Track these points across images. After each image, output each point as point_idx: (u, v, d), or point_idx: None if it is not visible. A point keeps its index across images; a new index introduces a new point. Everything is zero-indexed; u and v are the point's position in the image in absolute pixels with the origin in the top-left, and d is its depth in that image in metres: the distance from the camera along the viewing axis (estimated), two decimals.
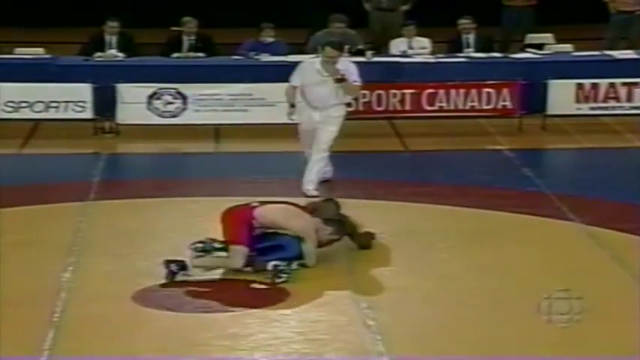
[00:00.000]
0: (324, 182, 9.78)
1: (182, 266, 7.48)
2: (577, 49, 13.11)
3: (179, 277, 7.43)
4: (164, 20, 13.52)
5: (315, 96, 9.67)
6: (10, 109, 11.93)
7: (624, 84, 12.31)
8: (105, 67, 12.28)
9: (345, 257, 7.96)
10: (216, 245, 7.60)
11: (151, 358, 6.24)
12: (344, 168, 10.59)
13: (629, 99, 12.35)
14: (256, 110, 11.97)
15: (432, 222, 8.79)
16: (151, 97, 12.01)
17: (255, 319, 6.74)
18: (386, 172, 10.64)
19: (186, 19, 12.93)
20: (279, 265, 7.41)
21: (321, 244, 7.73)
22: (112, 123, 12.06)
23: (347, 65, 9.71)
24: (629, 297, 7.11)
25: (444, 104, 12.19)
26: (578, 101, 12.34)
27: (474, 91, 12.20)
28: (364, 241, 8.10)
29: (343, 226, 7.86)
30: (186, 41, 12.88)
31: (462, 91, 12.17)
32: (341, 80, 9.53)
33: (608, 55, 12.96)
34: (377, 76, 12.26)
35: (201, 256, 7.55)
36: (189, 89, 12.03)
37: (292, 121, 9.85)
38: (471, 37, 13.05)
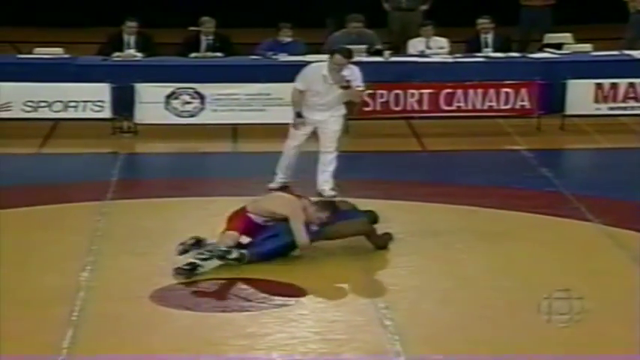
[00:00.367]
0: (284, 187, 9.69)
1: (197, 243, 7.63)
2: (596, 49, 13.06)
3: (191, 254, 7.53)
4: (182, 20, 13.56)
5: (319, 101, 9.64)
6: (29, 108, 11.99)
7: None
8: (123, 66, 12.32)
9: (362, 257, 7.96)
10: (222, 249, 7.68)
11: (169, 357, 6.25)
12: (361, 168, 10.59)
13: None
14: (274, 110, 11.97)
15: (449, 222, 8.78)
16: (169, 96, 12.04)
17: (273, 319, 6.75)
18: (403, 172, 10.63)
19: (204, 19, 12.95)
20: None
21: (311, 223, 7.78)
22: (130, 122, 12.10)
23: (352, 70, 9.68)
24: None
25: (461, 104, 12.17)
26: (597, 101, 12.29)
27: (492, 91, 12.17)
28: (381, 242, 8.10)
29: (332, 204, 8.00)
30: (204, 41, 12.90)
31: (479, 91, 12.14)
32: (346, 87, 9.52)
33: (628, 55, 12.91)
34: (395, 76, 12.26)
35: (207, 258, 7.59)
36: (207, 89, 12.05)
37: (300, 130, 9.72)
38: (490, 37, 13.02)
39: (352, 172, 10.11)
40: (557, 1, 14.55)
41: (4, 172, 10.57)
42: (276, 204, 7.96)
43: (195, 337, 6.51)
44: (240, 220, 7.87)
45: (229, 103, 12.06)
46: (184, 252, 7.65)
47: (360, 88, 9.75)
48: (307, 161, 10.13)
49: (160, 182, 10.43)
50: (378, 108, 12.06)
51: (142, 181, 10.58)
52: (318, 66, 9.78)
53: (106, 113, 12.00)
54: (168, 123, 12.06)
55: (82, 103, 11.98)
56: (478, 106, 12.18)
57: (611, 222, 8.63)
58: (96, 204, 9.24)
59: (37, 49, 12.70)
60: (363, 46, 12.67)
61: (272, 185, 9.71)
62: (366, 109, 12.08)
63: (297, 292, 7.22)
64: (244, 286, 7.34)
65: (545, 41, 13.78)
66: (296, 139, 9.80)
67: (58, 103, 11.99)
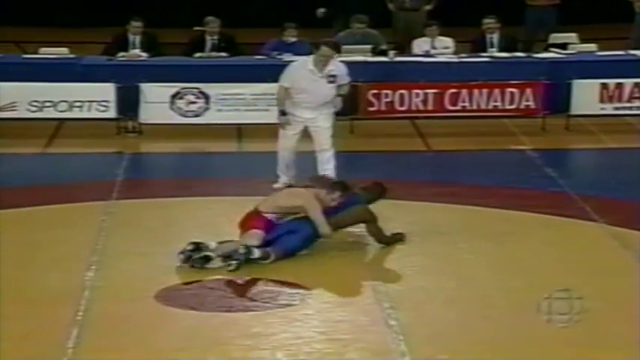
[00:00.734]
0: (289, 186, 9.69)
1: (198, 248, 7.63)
2: (601, 49, 13.05)
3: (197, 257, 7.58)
4: (187, 20, 13.58)
5: (308, 96, 9.62)
6: (34, 108, 12.00)
7: None
8: (128, 66, 12.33)
9: (367, 257, 7.96)
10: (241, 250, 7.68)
11: (174, 356, 6.25)
12: (366, 168, 10.58)
13: None
14: None
15: (454, 222, 8.77)
16: (174, 96, 12.04)
17: (278, 319, 6.75)
18: (408, 172, 10.62)
19: (209, 18, 12.96)
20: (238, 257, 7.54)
21: (328, 209, 7.84)
22: (135, 122, 12.11)
23: (337, 65, 9.69)
24: None
25: (466, 104, 12.16)
26: (602, 101, 12.28)
27: (497, 91, 12.16)
28: (384, 238, 8.10)
29: (339, 183, 8.08)
30: (209, 41, 12.90)
31: (484, 90, 12.13)
32: (332, 82, 9.52)
33: (633, 55, 12.89)
34: (399, 76, 12.26)
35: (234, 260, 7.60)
36: (212, 89, 12.06)
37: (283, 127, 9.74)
38: (495, 37, 13.01)
39: (357, 171, 10.10)
40: (563, 0, 14.53)
41: (9, 171, 10.58)
42: (289, 198, 7.97)
43: (200, 336, 6.52)
44: (258, 221, 7.83)
45: (234, 102, 12.07)
46: (188, 259, 7.61)
47: (346, 81, 9.72)
48: (307, 161, 10.14)
49: (165, 182, 10.43)
50: (383, 108, 12.05)
51: (147, 181, 10.58)
52: (304, 61, 9.77)
53: (111, 113, 12.01)
54: (173, 123, 12.06)
55: (87, 103, 11.99)
56: (483, 106, 12.17)
57: (616, 222, 8.62)
58: (101, 204, 9.25)
59: (43, 49, 12.71)
60: (368, 47, 12.67)
61: (276, 185, 9.72)
62: (371, 108, 12.09)
63: (301, 292, 7.22)
64: (249, 286, 7.34)
65: (551, 41, 13.77)
66: (287, 139, 9.79)
67: (64, 103, 12.00)
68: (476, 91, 12.13)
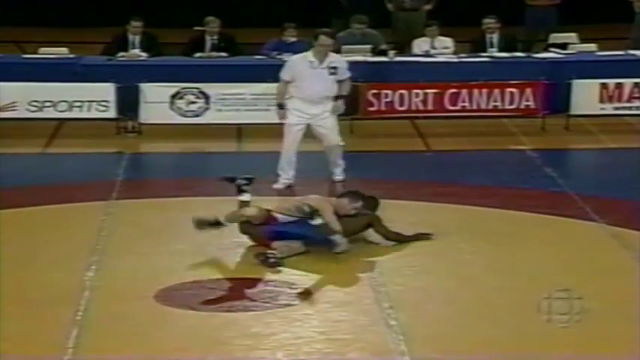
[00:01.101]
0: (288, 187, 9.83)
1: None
2: (601, 49, 13.05)
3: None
4: (187, 20, 13.57)
5: (309, 89, 9.69)
6: (34, 108, 12.00)
7: None
8: (128, 66, 12.33)
9: (367, 257, 7.96)
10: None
11: (174, 356, 6.26)
12: (366, 168, 10.58)
13: None
14: None
15: (454, 222, 8.77)
16: (174, 96, 12.05)
17: (278, 319, 6.75)
18: (408, 172, 10.62)
19: (209, 18, 12.96)
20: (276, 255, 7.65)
21: (346, 215, 7.98)
22: (135, 122, 12.11)
23: (338, 58, 9.81)
24: None
25: (466, 104, 12.16)
26: (602, 101, 12.28)
27: (496, 91, 12.16)
28: (390, 234, 8.16)
29: (359, 194, 8.18)
30: (209, 41, 12.91)
31: (484, 90, 12.14)
32: (333, 72, 9.60)
33: (633, 55, 12.89)
34: (399, 76, 12.26)
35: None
36: (212, 89, 12.06)
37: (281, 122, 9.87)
38: (495, 37, 13.01)
39: (357, 171, 10.11)
40: (563, 0, 14.53)
41: (9, 171, 10.58)
42: (305, 198, 8.11)
43: (200, 336, 6.52)
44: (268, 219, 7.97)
45: (234, 102, 12.07)
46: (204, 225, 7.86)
47: (346, 76, 9.81)
48: (316, 160, 10.15)
49: (165, 182, 10.44)
50: (383, 108, 12.06)
51: (147, 181, 10.58)
52: (303, 55, 9.88)
53: (111, 113, 12.01)
54: (173, 123, 12.06)
55: (87, 103, 11.99)
56: (483, 106, 12.17)
57: (616, 222, 8.62)
58: (101, 204, 9.25)
59: (42, 49, 12.71)
60: (368, 47, 12.68)
61: (276, 186, 9.73)
62: (371, 108, 12.09)
63: (301, 292, 7.22)
64: (249, 286, 7.34)
65: (550, 41, 13.77)
66: (291, 134, 9.83)
67: (63, 103, 12.00)
68: (476, 91, 12.13)
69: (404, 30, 14.15)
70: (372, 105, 12.04)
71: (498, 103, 12.19)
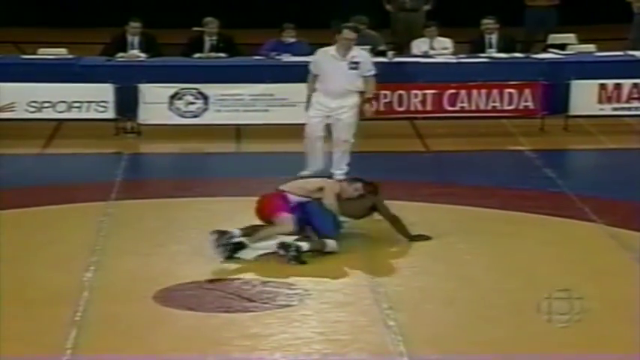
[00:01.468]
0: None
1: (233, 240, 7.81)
2: (600, 50, 13.05)
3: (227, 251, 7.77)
4: (186, 21, 13.56)
5: (330, 82, 9.83)
6: (32, 109, 12.00)
7: None
8: (127, 67, 12.32)
9: (366, 258, 7.96)
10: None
11: (172, 357, 6.25)
12: (365, 169, 10.57)
13: None
14: (277, 110, 11.98)
15: (453, 223, 8.77)
16: (173, 97, 12.04)
17: (277, 319, 6.75)
18: (407, 172, 10.62)
19: (207, 19, 12.96)
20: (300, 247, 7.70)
21: (350, 198, 8.10)
22: (134, 123, 12.11)
23: (361, 52, 10.00)
24: None
25: (465, 105, 12.17)
26: (600, 102, 12.28)
27: (495, 92, 12.17)
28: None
29: (357, 178, 8.30)
30: (208, 41, 12.90)
31: (483, 91, 12.14)
32: (355, 68, 9.73)
33: (631, 56, 12.89)
34: (398, 77, 12.25)
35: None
36: (211, 89, 12.06)
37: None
38: (494, 37, 13.01)
39: (356, 172, 10.07)
40: (562, 1, 14.54)
41: (7, 172, 10.58)
42: (313, 181, 8.27)
43: (198, 337, 6.52)
44: (280, 200, 7.96)
45: (233, 103, 12.07)
46: (224, 246, 7.77)
47: (373, 72, 9.96)
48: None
49: (164, 182, 10.43)
50: (382, 108, 12.05)
51: (146, 182, 10.58)
52: (327, 48, 10.08)
53: (110, 114, 12.01)
54: (172, 123, 12.06)
55: (86, 104, 11.99)
56: (482, 107, 12.18)
57: (615, 223, 8.62)
58: (100, 204, 9.25)
59: (41, 50, 12.71)
60: (367, 47, 12.66)
61: (302, 173, 9.86)
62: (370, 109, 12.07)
63: (301, 292, 7.22)
64: (247, 287, 7.34)
65: (550, 42, 13.77)
66: (310, 125, 9.97)
67: (62, 104, 12.00)
68: (474, 92, 12.13)
69: (403, 31, 14.15)
70: (370, 105, 12.02)
71: (497, 104, 12.19)
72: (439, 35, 13.11)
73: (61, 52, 12.69)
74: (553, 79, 12.22)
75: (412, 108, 12.16)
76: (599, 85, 12.24)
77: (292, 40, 12.87)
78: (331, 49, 9.93)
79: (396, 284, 7.43)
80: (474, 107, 12.17)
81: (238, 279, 7.49)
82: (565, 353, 6.30)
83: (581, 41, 13.44)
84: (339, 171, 10.02)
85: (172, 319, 6.81)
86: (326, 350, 6.31)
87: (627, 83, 12.24)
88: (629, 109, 12.33)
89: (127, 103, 11.96)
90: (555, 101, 12.21)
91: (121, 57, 12.55)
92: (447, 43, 13.07)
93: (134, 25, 12.78)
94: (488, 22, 13.05)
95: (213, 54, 12.80)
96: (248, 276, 7.54)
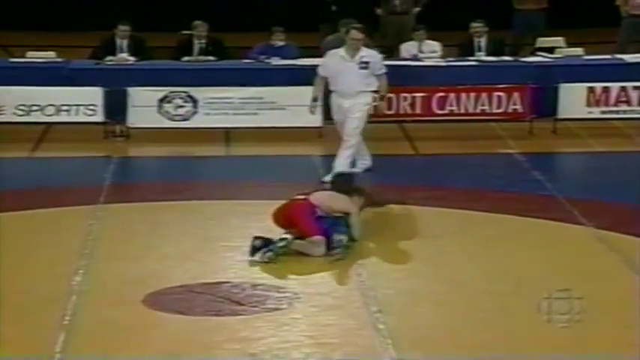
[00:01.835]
0: (367, 171, 10.30)
1: (267, 244, 7.81)
2: (588, 53, 13.10)
3: (259, 255, 7.76)
4: (175, 24, 13.56)
5: (341, 83, 10.06)
6: (21, 112, 11.97)
7: (635, 88, 12.28)
8: (116, 70, 12.31)
9: (355, 261, 7.96)
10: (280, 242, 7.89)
11: None
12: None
13: None
14: (267, 113, 11.98)
15: (442, 226, 8.78)
16: (162, 100, 12.03)
17: (266, 323, 6.74)
18: (396, 175, 10.63)
19: (196, 22, 12.95)
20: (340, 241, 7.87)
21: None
22: (123, 126, 12.09)
23: (370, 52, 10.24)
24: None
25: (454, 108, 12.18)
26: (589, 105, 12.31)
27: (484, 95, 12.19)
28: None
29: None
30: (197, 45, 12.90)
31: (472, 94, 12.16)
32: (365, 68, 9.97)
33: (619, 59, 12.94)
34: (387, 80, 12.24)
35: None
36: (200, 93, 12.05)
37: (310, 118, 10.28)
38: (483, 41, 13.03)
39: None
40: (550, 5, 14.58)
41: None
42: (337, 202, 8.22)
43: (188, 341, 6.50)
44: (312, 220, 8.01)
45: (222, 106, 12.05)
46: (256, 251, 7.82)
47: (381, 71, 10.24)
48: (305, 164, 10.15)
49: (153, 186, 10.41)
50: (371, 111, 12.03)
51: (135, 185, 10.56)
52: (336, 50, 10.32)
53: (99, 117, 11.99)
54: (161, 127, 12.05)
55: (75, 107, 11.97)
56: (471, 110, 12.20)
57: (603, 225, 8.64)
58: (89, 208, 9.23)
59: (30, 53, 12.69)
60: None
61: (355, 170, 10.13)
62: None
63: (290, 295, 7.22)
64: (237, 290, 7.34)
65: (538, 45, 13.81)
66: (341, 127, 10.27)
67: (51, 107, 11.97)
68: (463, 95, 12.15)
69: (394, 34, 14.16)
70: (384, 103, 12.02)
71: (486, 107, 12.21)
72: (428, 38, 13.13)
73: (50, 55, 12.68)
74: (542, 83, 12.25)
75: (401, 111, 12.17)
76: (587, 88, 12.27)
77: (281, 43, 12.88)
78: (340, 51, 10.13)
79: (385, 287, 7.43)
80: (462, 110, 12.18)
81: (228, 282, 7.48)
82: (554, 355, 6.31)
83: (570, 45, 13.48)
84: (338, 166, 10.14)
85: (162, 322, 6.79)
86: (315, 354, 6.31)
87: (615, 86, 12.28)
88: (617, 112, 12.36)
89: (116, 107, 11.94)
90: (544, 104, 12.24)
91: (110, 60, 12.53)
92: (435, 46, 13.09)
93: (123, 29, 12.77)
94: (477, 26, 13.08)
95: (202, 57, 12.80)
96: (237, 279, 7.53)
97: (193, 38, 12.92)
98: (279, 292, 7.28)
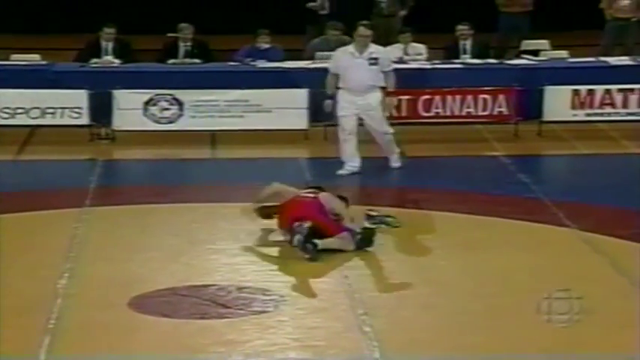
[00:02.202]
0: (354, 174, 10.41)
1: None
2: (573, 56, 13.13)
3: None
4: (160, 26, 13.53)
5: (352, 79, 10.24)
6: (6, 115, 11.92)
7: (620, 90, 12.33)
8: (101, 73, 12.28)
9: (342, 263, 7.96)
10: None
11: None
12: (340, 175, 10.59)
13: (625, 105, 12.36)
14: (252, 116, 11.97)
15: (428, 228, 8.79)
16: (147, 103, 12.01)
17: (252, 326, 6.73)
18: (382, 178, 10.64)
19: (182, 25, 12.93)
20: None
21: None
22: (108, 129, 12.06)
23: (379, 49, 10.47)
24: (626, 303, 7.11)
25: (440, 110, 12.20)
26: (574, 107, 12.35)
27: (469, 97, 12.21)
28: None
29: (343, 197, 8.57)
30: (183, 47, 12.88)
31: (457, 97, 12.18)
32: (374, 63, 10.14)
33: (604, 62, 12.98)
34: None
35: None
36: (186, 95, 12.03)
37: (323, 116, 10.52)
38: (469, 44, 13.06)
39: (331, 178, 10.12)
40: (535, 7, 14.62)
41: None
42: (337, 205, 8.34)
43: (173, 343, 6.49)
44: (330, 219, 8.16)
45: (208, 109, 12.04)
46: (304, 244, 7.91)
47: (391, 68, 10.42)
48: (291, 167, 10.14)
49: (139, 189, 10.39)
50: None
51: (121, 188, 10.53)
52: (345, 47, 10.59)
53: (84, 120, 11.95)
54: (147, 129, 12.02)
55: (60, 110, 11.93)
56: (456, 113, 12.21)
57: (588, 228, 8.67)
58: (74, 211, 9.20)
59: (14, 56, 12.64)
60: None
61: (341, 172, 10.29)
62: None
63: (276, 298, 7.21)
64: (223, 293, 7.33)
65: (523, 48, 13.85)
66: (344, 122, 10.37)
67: (36, 110, 11.93)
68: (449, 98, 12.17)
69: (381, 36, 14.17)
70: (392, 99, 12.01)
71: (471, 110, 12.23)
72: (413, 41, 13.14)
73: (35, 58, 12.63)
74: (527, 85, 12.28)
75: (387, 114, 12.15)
76: (572, 90, 12.31)
77: (267, 45, 12.87)
78: (349, 47, 10.40)
79: (371, 290, 7.44)
80: (448, 113, 12.20)
81: (213, 285, 7.47)
82: (540, 356, 6.32)
83: (555, 47, 13.52)
84: (393, 156, 10.56)
85: (147, 325, 6.78)
86: (301, 356, 6.31)
87: (600, 89, 12.31)
88: (601, 114, 12.40)
89: (102, 109, 11.91)
90: (529, 107, 12.27)
91: (95, 63, 12.50)
92: (421, 49, 13.11)
93: (108, 31, 12.74)
94: (462, 29, 13.09)
95: (187, 60, 12.78)
96: (223, 282, 7.52)
97: (179, 41, 12.90)
98: (265, 294, 7.28)
